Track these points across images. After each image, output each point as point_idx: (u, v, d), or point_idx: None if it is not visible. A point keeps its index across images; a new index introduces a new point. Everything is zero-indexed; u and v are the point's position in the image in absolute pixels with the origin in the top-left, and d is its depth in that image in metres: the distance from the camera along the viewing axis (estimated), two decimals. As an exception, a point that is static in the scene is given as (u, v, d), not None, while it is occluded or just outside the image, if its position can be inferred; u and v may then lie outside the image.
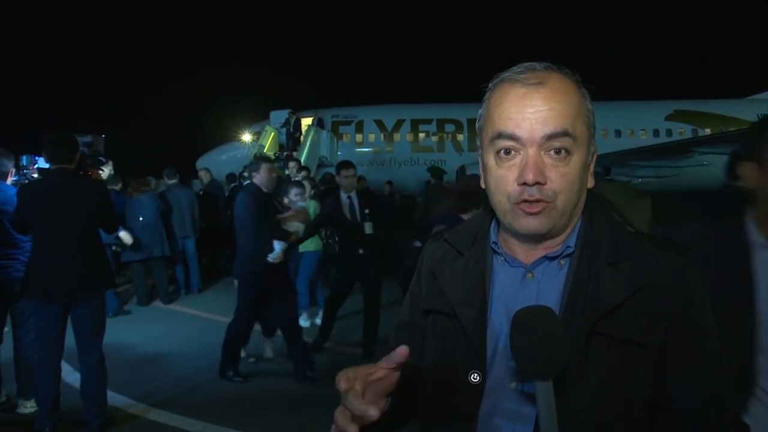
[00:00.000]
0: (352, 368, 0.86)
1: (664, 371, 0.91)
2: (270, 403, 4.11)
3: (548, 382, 0.80)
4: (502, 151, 0.92)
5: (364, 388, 0.84)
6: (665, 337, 0.90)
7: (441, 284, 1.05)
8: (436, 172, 11.01)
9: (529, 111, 0.89)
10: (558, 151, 0.89)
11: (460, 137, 17.56)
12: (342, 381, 0.83)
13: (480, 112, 0.98)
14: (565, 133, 0.89)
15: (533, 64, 0.93)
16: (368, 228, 5.09)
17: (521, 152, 0.90)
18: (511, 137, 0.90)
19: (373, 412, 0.79)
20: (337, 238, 5.27)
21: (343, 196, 5.17)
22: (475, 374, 0.95)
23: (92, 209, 3.57)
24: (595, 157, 0.98)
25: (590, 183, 0.97)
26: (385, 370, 0.87)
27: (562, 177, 0.90)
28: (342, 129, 17.79)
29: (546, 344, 0.80)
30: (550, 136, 0.89)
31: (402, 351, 0.85)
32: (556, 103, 0.89)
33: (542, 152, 0.89)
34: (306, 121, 17.58)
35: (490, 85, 0.96)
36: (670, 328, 0.90)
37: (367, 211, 5.12)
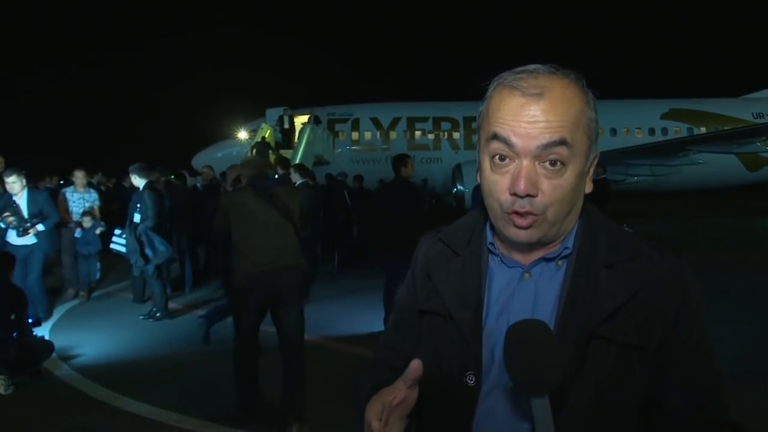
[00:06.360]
0: (376, 399, 0.88)
1: (659, 372, 0.91)
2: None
3: (545, 398, 0.79)
4: (497, 157, 0.90)
5: (387, 415, 0.86)
6: (662, 339, 0.90)
7: (436, 284, 1.03)
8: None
9: (527, 122, 0.88)
10: (553, 163, 0.88)
11: (456, 135, 17.56)
12: (374, 421, 0.85)
13: (480, 109, 0.96)
14: (561, 142, 0.87)
15: (537, 67, 0.91)
16: None
17: (515, 161, 0.89)
18: (506, 142, 0.89)
19: None
20: None
21: None
22: (471, 376, 0.94)
23: None
24: (595, 160, 0.96)
25: (588, 188, 0.96)
26: (404, 390, 0.87)
27: (554, 190, 0.89)
28: (338, 127, 17.76)
29: (540, 361, 0.78)
30: (546, 146, 0.87)
31: (415, 366, 0.86)
32: (555, 115, 0.87)
33: (536, 163, 0.88)
34: (302, 119, 17.53)
35: (491, 84, 0.94)
36: (667, 330, 0.90)
37: None
